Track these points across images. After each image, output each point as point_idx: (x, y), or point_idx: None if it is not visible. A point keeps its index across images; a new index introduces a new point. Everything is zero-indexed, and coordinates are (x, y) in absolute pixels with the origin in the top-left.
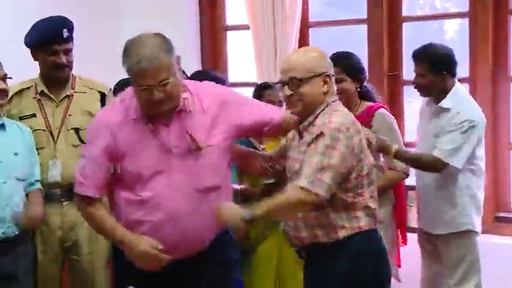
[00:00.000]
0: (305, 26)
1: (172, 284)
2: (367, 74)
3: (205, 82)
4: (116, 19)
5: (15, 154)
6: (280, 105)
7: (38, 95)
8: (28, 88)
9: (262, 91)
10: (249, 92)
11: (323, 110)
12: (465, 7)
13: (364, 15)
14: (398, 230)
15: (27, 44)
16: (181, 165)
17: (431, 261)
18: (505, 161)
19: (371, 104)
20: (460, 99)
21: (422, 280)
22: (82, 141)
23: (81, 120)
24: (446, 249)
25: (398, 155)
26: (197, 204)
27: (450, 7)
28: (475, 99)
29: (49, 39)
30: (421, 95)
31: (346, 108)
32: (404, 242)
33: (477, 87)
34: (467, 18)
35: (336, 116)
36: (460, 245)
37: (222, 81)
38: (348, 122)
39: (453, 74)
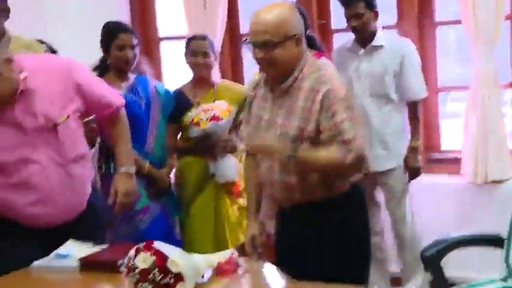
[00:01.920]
0: None
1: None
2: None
3: (47, 55)
4: (42, 24)
5: None
6: (205, 57)
7: None
8: None
9: (188, 42)
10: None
11: (302, 70)
12: None
13: None
14: None
15: None
16: (42, 143)
17: None
18: (433, 104)
19: (314, 52)
20: (390, 36)
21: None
22: None
23: None
24: (392, 181)
25: None
26: (66, 178)
27: None
28: None
29: None
30: (358, 37)
31: (329, 66)
32: None
33: (404, 33)
34: None
35: (335, 81)
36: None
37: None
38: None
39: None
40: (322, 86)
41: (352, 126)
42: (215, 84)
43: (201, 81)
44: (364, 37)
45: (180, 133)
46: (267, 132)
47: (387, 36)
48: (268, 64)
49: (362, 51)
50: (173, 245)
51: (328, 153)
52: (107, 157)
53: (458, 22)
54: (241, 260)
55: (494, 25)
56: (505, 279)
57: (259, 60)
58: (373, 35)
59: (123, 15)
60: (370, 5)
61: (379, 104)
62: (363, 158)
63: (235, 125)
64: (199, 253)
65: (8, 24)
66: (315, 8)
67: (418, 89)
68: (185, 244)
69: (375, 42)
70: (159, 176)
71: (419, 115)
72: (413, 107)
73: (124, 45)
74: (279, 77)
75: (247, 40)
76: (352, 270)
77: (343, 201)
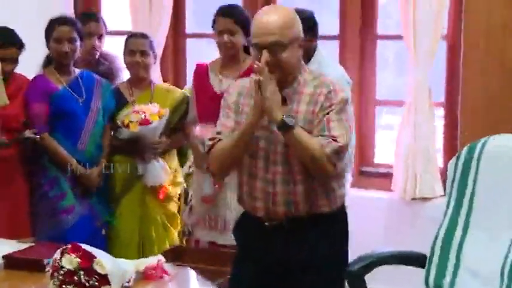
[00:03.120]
0: None
1: None
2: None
3: None
4: None
5: None
6: (143, 56)
7: None
8: None
9: (127, 40)
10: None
11: (303, 76)
12: None
13: None
14: None
15: None
16: None
17: None
18: (371, 117)
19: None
20: (325, 61)
21: None
22: None
23: None
24: None
25: None
26: None
27: None
28: (343, 56)
29: None
30: None
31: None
32: None
33: (346, 44)
34: None
35: (338, 84)
36: None
37: None
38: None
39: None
40: (324, 88)
41: (341, 127)
42: (153, 85)
43: (137, 80)
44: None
45: (112, 131)
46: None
47: (323, 61)
48: (276, 67)
49: None
50: (98, 248)
51: (311, 138)
52: None
53: (400, 37)
54: (168, 266)
55: (431, 44)
56: None
57: (266, 63)
58: (308, 57)
59: (67, 11)
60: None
61: None
62: (342, 153)
63: (173, 128)
64: (123, 255)
65: None
66: None
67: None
68: (110, 244)
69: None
70: (86, 175)
71: None
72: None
73: (60, 37)
74: (283, 80)
75: (253, 42)
76: None
77: (332, 219)
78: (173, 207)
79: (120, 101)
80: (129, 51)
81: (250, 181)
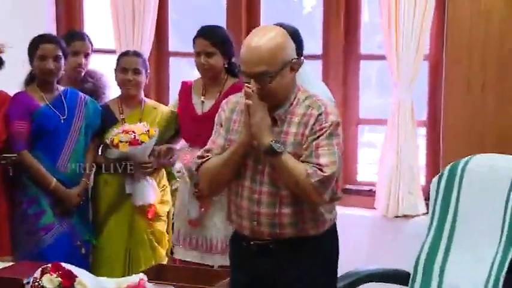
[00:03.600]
0: None
1: None
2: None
3: None
4: None
5: None
6: (135, 74)
7: None
8: None
9: (119, 58)
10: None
11: (296, 95)
12: None
13: None
14: None
15: None
16: None
17: None
18: (353, 135)
19: (237, 80)
20: (309, 80)
21: None
22: None
23: None
24: None
25: None
26: None
27: None
28: (327, 75)
29: None
30: None
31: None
32: None
33: (329, 64)
34: None
35: (329, 106)
36: None
37: None
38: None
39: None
40: (315, 110)
41: (330, 154)
42: (143, 103)
43: (128, 98)
44: None
45: (101, 150)
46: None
47: (307, 80)
48: (265, 95)
49: None
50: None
51: (298, 165)
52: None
53: (383, 57)
54: (150, 286)
55: (414, 63)
56: None
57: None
58: None
59: (50, 29)
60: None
61: None
62: (328, 183)
63: (165, 142)
64: (109, 274)
65: None
66: (244, 30)
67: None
68: (94, 265)
69: None
70: (65, 195)
71: None
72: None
73: (45, 55)
74: (274, 104)
75: (240, 70)
76: None
77: (320, 242)
78: (161, 226)
79: (109, 119)
80: (121, 69)
81: (237, 200)
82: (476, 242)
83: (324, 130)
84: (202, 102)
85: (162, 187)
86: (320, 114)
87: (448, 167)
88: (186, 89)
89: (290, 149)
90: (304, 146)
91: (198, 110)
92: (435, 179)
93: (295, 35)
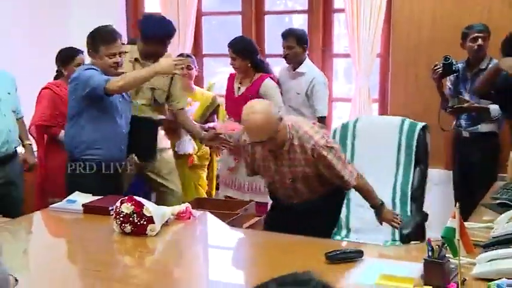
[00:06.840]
0: (200, 15)
1: None
2: (258, 52)
3: None
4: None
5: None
6: (189, 69)
7: None
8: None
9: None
10: None
11: (292, 137)
12: (306, 6)
13: (239, 8)
14: None
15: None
16: None
17: None
18: (329, 110)
19: (263, 74)
20: (311, 66)
21: None
22: None
23: None
24: None
25: None
26: None
27: (296, 6)
28: None
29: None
30: (287, 62)
31: (302, 123)
32: None
33: (313, 61)
34: (307, 14)
35: (316, 134)
36: None
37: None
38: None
39: (306, 49)
40: (306, 143)
41: (345, 169)
42: (194, 88)
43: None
44: (293, 63)
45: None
46: (276, 175)
47: (309, 67)
48: (268, 151)
49: (291, 73)
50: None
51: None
52: None
53: (348, 56)
54: (194, 211)
55: (370, 60)
56: None
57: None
58: (300, 63)
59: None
60: (300, 42)
61: (295, 115)
62: (357, 176)
63: (206, 121)
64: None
65: None
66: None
67: (320, 108)
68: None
69: (299, 69)
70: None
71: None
72: (320, 122)
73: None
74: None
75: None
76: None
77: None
78: (202, 173)
79: None
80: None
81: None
82: (375, 171)
83: (329, 158)
84: (239, 88)
85: (203, 150)
86: (313, 146)
87: (340, 124)
88: (230, 78)
89: (300, 169)
90: (322, 172)
91: (235, 93)
92: (331, 133)
93: (304, 35)
